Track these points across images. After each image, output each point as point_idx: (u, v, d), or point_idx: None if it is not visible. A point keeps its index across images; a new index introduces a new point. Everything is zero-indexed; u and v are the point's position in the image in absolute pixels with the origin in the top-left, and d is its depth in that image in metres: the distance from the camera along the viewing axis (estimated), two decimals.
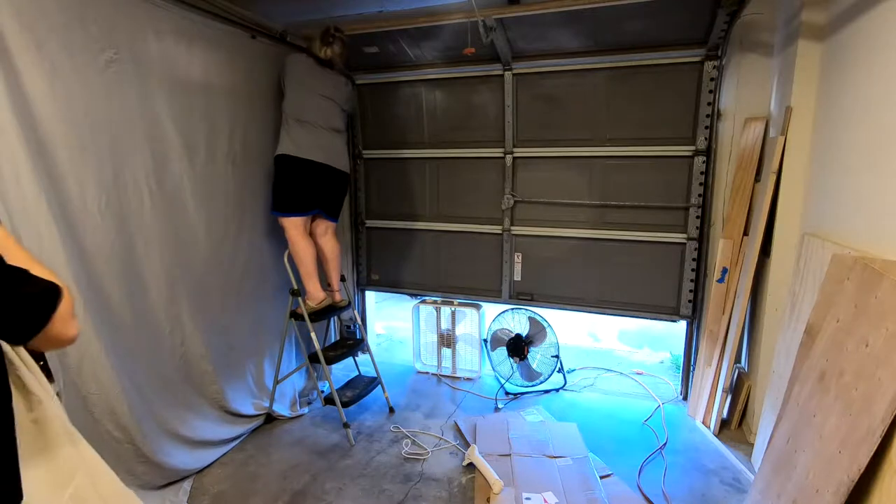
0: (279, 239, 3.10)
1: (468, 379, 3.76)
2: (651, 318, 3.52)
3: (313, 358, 3.01)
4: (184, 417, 2.57)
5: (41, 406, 1.02)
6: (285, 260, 2.99)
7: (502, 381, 3.60)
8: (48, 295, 0.81)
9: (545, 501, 2.30)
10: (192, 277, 2.63)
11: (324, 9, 3.07)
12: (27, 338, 0.81)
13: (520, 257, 3.70)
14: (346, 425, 2.90)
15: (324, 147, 2.95)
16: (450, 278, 3.94)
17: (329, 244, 3.19)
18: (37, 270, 0.84)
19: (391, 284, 4.16)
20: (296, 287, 2.96)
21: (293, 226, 2.97)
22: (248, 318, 3.07)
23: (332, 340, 3.84)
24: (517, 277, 3.74)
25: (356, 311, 3.93)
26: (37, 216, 1.87)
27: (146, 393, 2.37)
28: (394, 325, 4.94)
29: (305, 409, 3.22)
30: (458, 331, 3.79)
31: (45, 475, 1.01)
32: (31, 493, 0.94)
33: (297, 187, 2.93)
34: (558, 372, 3.56)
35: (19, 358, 1.04)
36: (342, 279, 3.29)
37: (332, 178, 3.03)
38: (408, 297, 4.19)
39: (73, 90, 2.00)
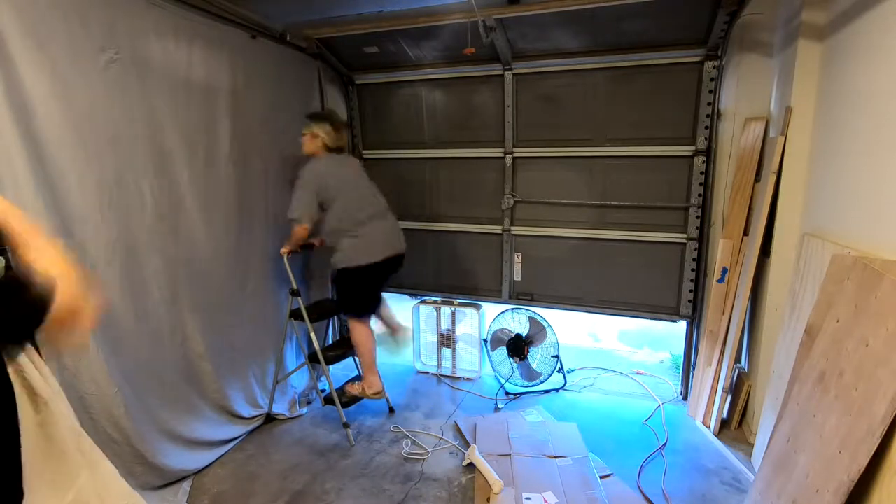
0: (281, 239, 3.09)
1: (468, 379, 3.75)
2: (651, 318, 3.52)
3: (313, 358, 3.01)
4: (183, 418, 2.57)
5: (47, 408, 1.02)
6: (285, 260, 2.99)
7: (502, 381, 3.60)
8: (36, 303, 0.81)
9: (545, 501, 2.30)
10: (193, 277, 2.63)
11: (324, 9, 3.07)
12: (22, 339, 0.81)
13: (520, 257, 3.70)
14: (345, 425, 2.90)
15: (385, 236, 2.93)
16: (450, 278, 3.94)
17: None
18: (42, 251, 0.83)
19: (391, 284, 4.16)
20: (295, 287, 2.96)
21: (365, 324, 3.00)
22: (250, 317, 3.06)
23: (332, 341, 3.84)
24: (517, 277, 3.74)
25: None
26: (34, 215, 1.87)
27: (145, 393, 2.37)
28: None
29: (304, 410, 3.22)
30: (458, 331, 3.78)
31: (49, 477, 1.01)
32: (34, 494, 0.94)
33: (369, 293, 2.98)
34: (558, 372, 3.56)
35: (27, 357, 1.04)
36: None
37: (395, 261, 3.01)
38: (408, 297, 4.19)
39: (73, 90, 2.00)
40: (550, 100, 3.43)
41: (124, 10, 2.19)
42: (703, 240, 3.23)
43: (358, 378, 3.27)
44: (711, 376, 2.99)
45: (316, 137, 2.89)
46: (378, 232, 2.88)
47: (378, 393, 3.05)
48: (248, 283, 3.04)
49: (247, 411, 2.97)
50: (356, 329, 2.98)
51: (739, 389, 2.94)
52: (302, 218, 2.79)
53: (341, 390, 3.06)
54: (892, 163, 1.74)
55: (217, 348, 2.79)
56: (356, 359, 3.62)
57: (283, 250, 2.94)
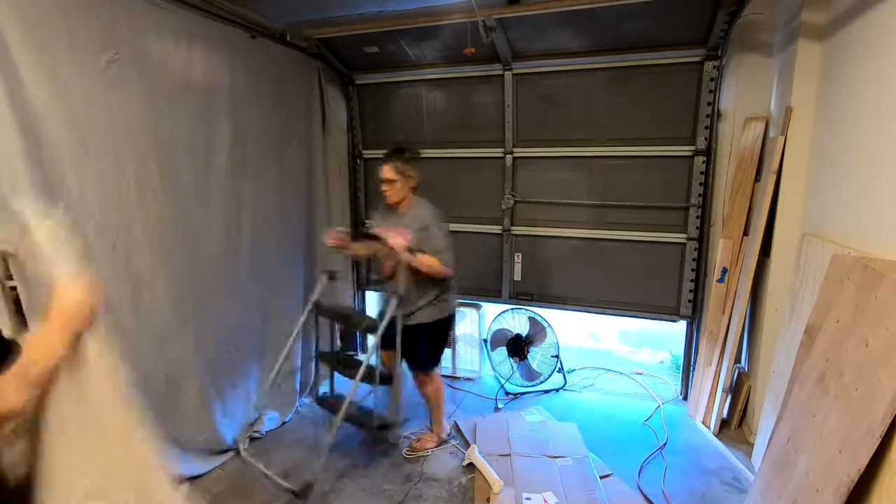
0: (283, 239, 3.08)
1: (468, 379, 3.75)
2: (651, 318, 3.52)
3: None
4: (187, 423, 2.55)
5: (88, 367, 0.93)
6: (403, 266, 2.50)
7: (502, 381, 3.60)
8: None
9: (545, 501, 2.30)
10: (196, 277, 2.62)
11: (324, 9, 3.07)
12: None
13: (520, 257, 3.70)
14: (331, 428, 2.50)
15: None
16: None
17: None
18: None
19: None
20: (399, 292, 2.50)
21: (438, 372, 2.86)
22: (255, 318, 3.05)
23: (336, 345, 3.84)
24: (517, 277, 3.74)
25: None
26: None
27: (147, 395, 2.36)
28: None
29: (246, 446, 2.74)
30: (458, 331, 3.78)
31: (75, 443, 0.94)
32: (51, 466, 0.90)
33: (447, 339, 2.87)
34: (558, 372, 3.56)
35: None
36: (332, 277, 2.81)
37: None
38: None
39: (73, 90, 1.99)
40: (550, 100, 3.43)
41: (125, 11, 2.19)
42: (703, 240, 3.23)
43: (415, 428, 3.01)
44: (711, 376, 2.99)
45: (409, 179, 2.63)
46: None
47: (447, 440, 2.91)
48: (253, 284, 3.03)
49: (250, 415, 2.95)
50: (435, 380, 2.82)
51: (739, 389, 2.94)
52: (449, 266, 2.56)
53: (411, 449, 2.79)
54: (892, 163, 1.74)
55: (222, 350, 2.78)
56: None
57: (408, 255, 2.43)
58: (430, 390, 2.83)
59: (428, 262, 2.50)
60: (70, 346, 0.90)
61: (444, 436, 2.90)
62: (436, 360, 2.82)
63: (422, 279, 2.54)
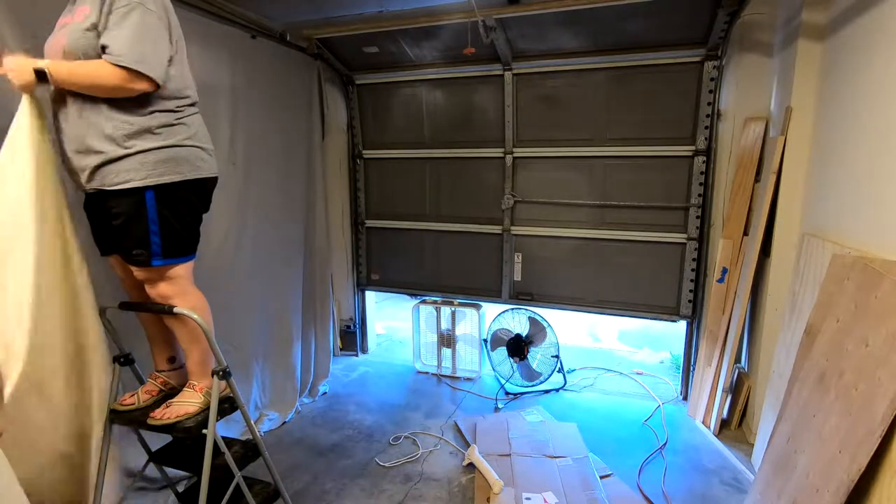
0: (283, 239, 3.06)
1: (468, 379, 3.76)
2: (651, 318, 3.52)
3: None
4: None
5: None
6: None
7: (502, 381, 3.60)
8: None
9: (545, 501, 2.30)
10: (196, 277, 2.60)
11: (324, 9, 3.07)
12: None
13: (520, 257, 3.70)
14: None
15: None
16: (450, 278, 3.94)
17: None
18: None
19: (391, 284, 4.16)
20: None
21: (190, 272, 1.93)
22: (254, 318, 3.05)
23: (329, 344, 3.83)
24: (517, 277, 3.74)
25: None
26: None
27: None
28: (394, 325, 4.94)
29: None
30: (458, 331, 3.79)
31: None
32: None
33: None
34: (558, 372, 3.56)
35: None
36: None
37: None
38: (408, 297, 4.20)
39: None
40: (550, 100, 3.44)
41: None
42: (703, 240, 3.23)
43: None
44: (711, 376, 2.99)
45: None
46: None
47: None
48: (253, 283, 3.02)
49: (250, 415, 2.95)
50: (186, 289, 2.01)
51: (739, 389, 2.94)
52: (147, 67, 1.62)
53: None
54: (893, 163, 1.74)
55: (222, 348, 2.77)
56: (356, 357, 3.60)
57: None
58: (189, 305, 1.79)
59: (85, 70, 1.47)
60: None
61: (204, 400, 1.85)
62: (182, 248, 1.81)
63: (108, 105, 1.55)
